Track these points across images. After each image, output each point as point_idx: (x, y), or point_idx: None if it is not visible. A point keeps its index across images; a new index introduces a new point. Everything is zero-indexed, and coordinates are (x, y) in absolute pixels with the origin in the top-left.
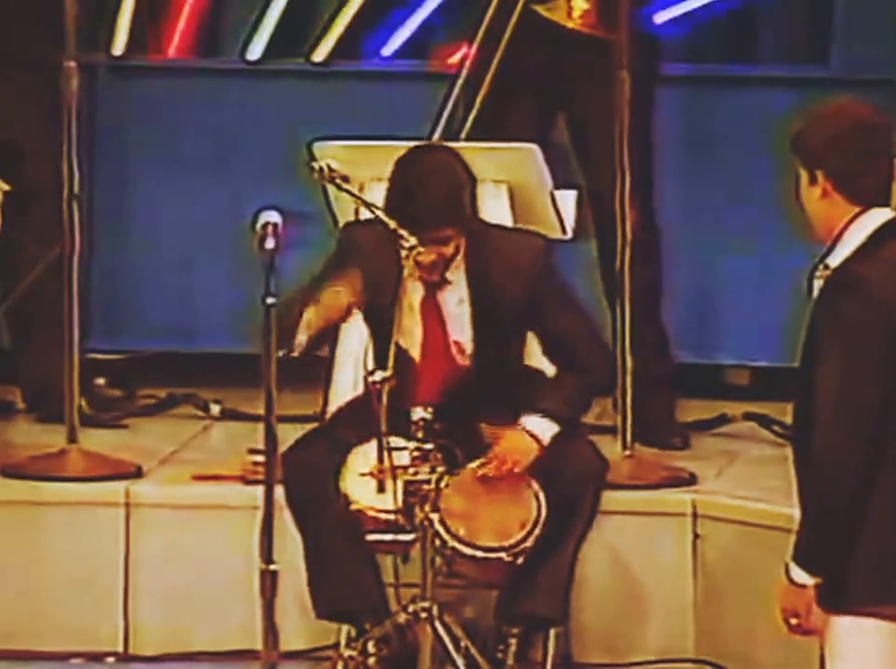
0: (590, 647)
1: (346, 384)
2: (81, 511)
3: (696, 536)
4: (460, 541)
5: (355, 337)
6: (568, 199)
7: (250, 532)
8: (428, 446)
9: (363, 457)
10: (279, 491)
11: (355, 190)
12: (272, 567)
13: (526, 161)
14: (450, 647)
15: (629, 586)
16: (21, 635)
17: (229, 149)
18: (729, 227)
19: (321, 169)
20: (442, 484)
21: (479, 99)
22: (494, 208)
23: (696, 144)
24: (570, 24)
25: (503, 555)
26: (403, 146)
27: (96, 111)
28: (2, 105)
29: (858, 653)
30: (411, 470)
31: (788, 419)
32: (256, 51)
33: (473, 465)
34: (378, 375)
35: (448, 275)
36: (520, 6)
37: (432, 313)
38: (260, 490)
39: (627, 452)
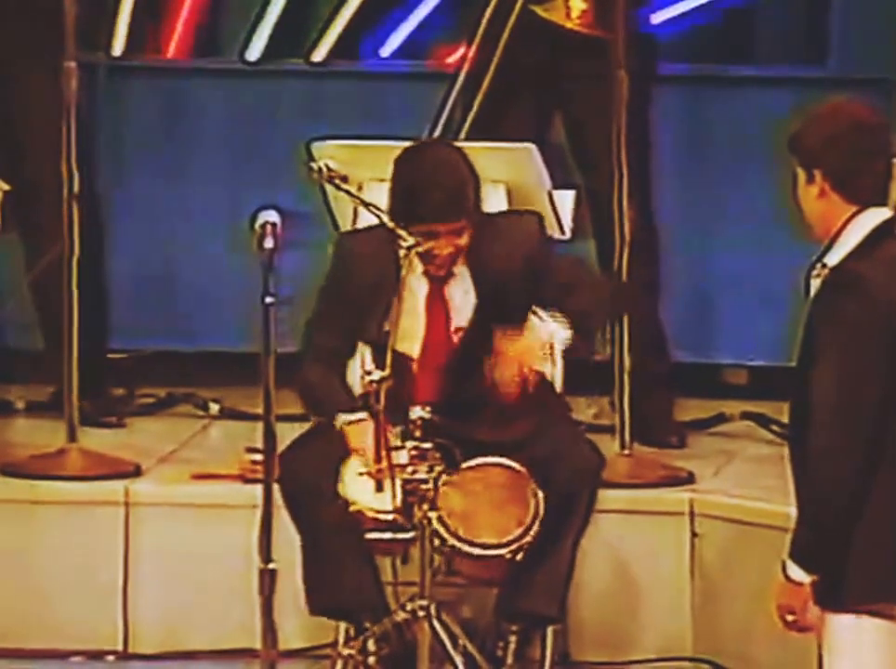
0: (588, 645)
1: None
2: (80, 510)
3: (694, 535)
4: (459, 539)
5: None
6: (566, 199)
7: (249, 531)
8: (427, 445)
9: (362, 456)
10: (278, 490)
11: (354, 190)
12: (271, 565)
13: (524, 160)
14: (448, 645)
15: (627, 585)
16: (21, 633)
17: (228, 149)
18: (727, 226)
19: (319, 169)
20: (441, 483)
21: (477, 99)
22: (493, 207)
23: (694, 144)
24: (568, 24)
25: (502, 552)
26: (402, 146)
27: (95, 111)
28: (8, 105)
29: (854, 650)
30: (409, 469)
31: (786, 418)
32: (254, 51)
33: (472, 462)
34: (376, 375)
35: (454, 268)
36: (518, 6)
37: (439, 308)
38: (259, 489)
39: (625, 452)
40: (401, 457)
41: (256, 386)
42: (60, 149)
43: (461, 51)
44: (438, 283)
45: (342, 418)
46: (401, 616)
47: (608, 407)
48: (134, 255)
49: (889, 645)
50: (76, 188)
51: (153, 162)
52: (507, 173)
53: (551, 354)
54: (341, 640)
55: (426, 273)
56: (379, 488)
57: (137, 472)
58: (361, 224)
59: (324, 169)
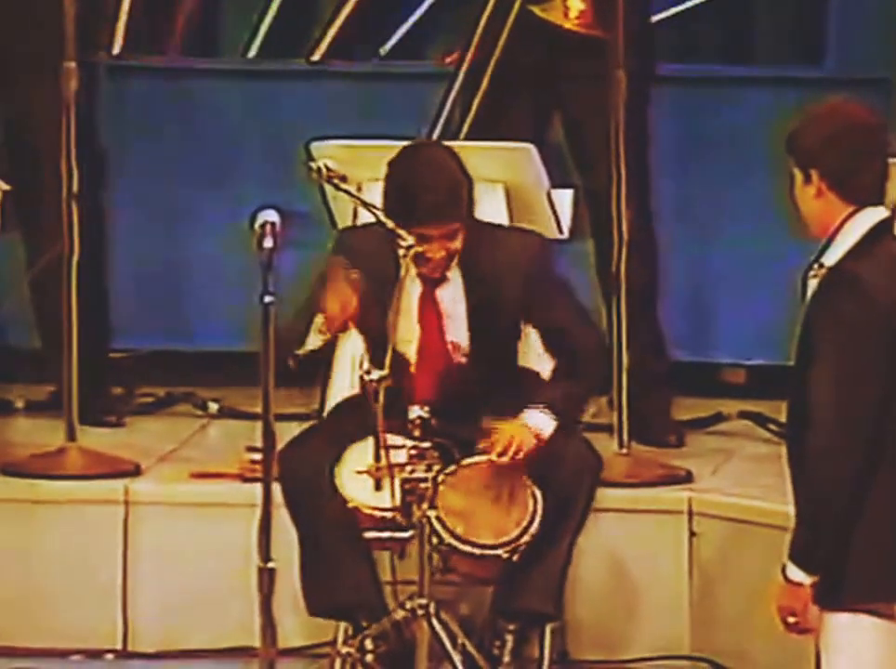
0: (586, 643)
1: (343, 382)
2: (80, 509)
3: (692, 534)
4: (457, 538)
5: (353, 336)
6: (564, 198)
7: (248, 530)
8: (425, 444)
9: (360, 455)
10: (277, 489)
11: (353, 190)
12: (270, 564)
13: (523, 160)
14: (447, 643)
15: (625, 583)
16: (21, 632)
17: (227, 149)
18: (725, 226)
19: (318, 169)
20: (439, 481)
21: (476, 99)
22: (491, 208)
23: (692, 143)
24: (566, 24)
25: (500, 552)
26: (401, 146)
27: (95, 110)
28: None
29: (853, 650)
30: (408, 468)
31: (783, 417)
32: (254, 51)
33: (470, 460)
34: (375, 374)
35: (446, 273)
36: (516, 6)
37: (430, 311)
38: (258, 488)
39: (624, 450)
40: (400, 456)
41: (256, 386)
42: (60, 148)
43: (459, 51)
44: (430, 286)
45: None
46: (399, 615)
47: (606, 406)
48: (133, 254)
49: (887, 644)
50: (76, 187)
51: (153, 161)
52: (505, 173)
53: (539, 445)
54: (340, 639)
55: (419, 275)
56: (378, 487)
57: (136, 471)
58: (363, 222)
59: (324, 169)
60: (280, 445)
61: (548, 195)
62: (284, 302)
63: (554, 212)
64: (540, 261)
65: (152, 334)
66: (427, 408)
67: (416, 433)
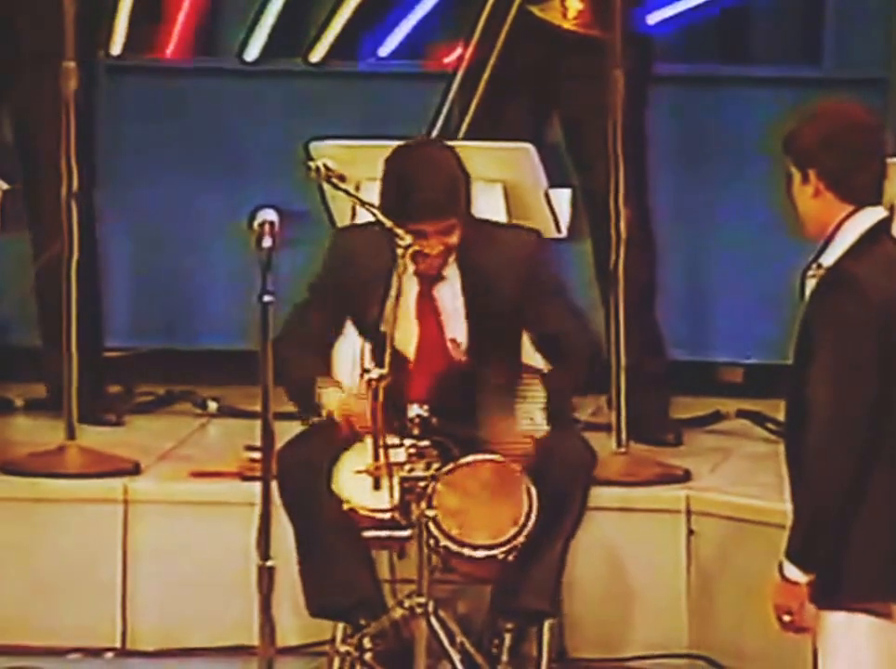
0: (584, 642)
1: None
2: (79, 507)
3: (690, 532)
4: (453, 540)
5: (352, 336)
6: (562, 198)
7: (247, 529)
8: (424, 443)
9: (359, 454)
10: (276, 488)
11: (351, 189)
12: (269, 563)
13: (521, 160)
14: (445, 642)
15: (623, 582)
16: (20, 630)
17: (226, 148)
18: (722, 225)
19: (317, 168)
20: (438, 480)
21: (474, 99)
22: (490, 207)
23: (689, 143)
24: (565, 24)
25: (495, 553)
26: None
27: (94, 110)
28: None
29: (850, 649)
30: (407, 467)
31: (781, 416)
32: (253, 51)
33: (468, 459)
34: (375, 373)
35: (443, 270)
36: (515, 6)
37: (428, 309)
38: (257, 486)
39: (622, 449)
40: (399, 455)
41: (255, 385)
42: (60, 147)
43: (458, 51)
44: (427, 284)
45: (325, 395)
46: (398, 613)
47: (605, 405)
48: (133, 253)
49: (883, 642)
50: (76, 186)
51: (152, 160)
52: (504, 172)
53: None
54: (339, 637)
55: (416, 273)
56: (377, 486)
57: (135, 470)
58: (362, 222)
59: (322, 168)
60: (279, 444)
61: (547, 195)
62: (283, 301)
63: (552, 211)
64: (536, 259)
65: (152, 333)
66: (426, 407)
67: (415, 432)
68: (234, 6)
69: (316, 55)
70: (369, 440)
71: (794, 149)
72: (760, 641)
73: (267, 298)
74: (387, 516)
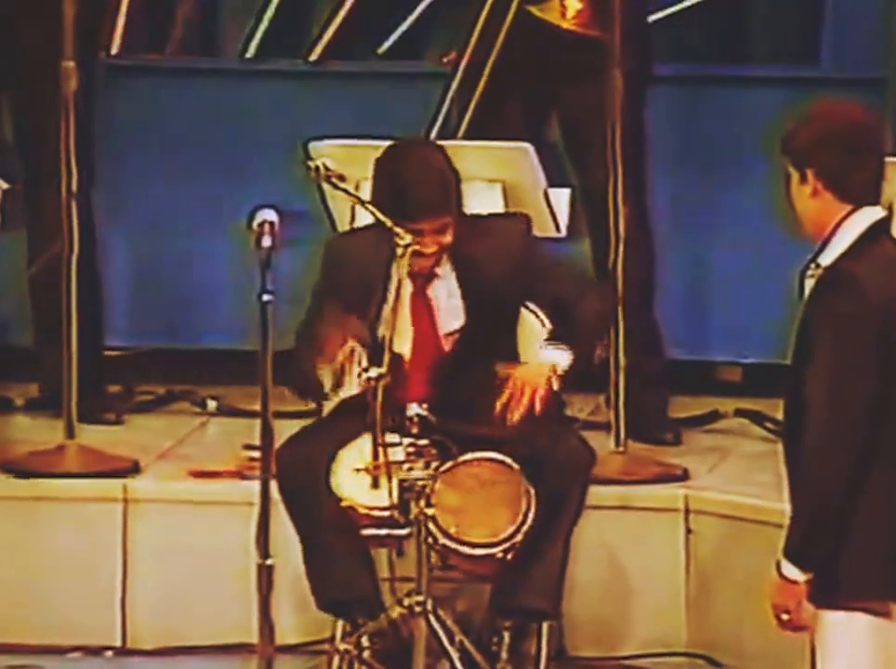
0: (583, 640)
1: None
2: (79, 506)
3: (688, 531)
4: (451, 538)
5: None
6: (561, 197)
7: (247, 527)
8: (423, 442)
9: (358, 453)
10: (275, 487)
11: (351, 189)
12: (269, 561)
13: (520, 160)
14: (444, 641)
15: (622, 581)
16: (20, 629)
17: (225, 148)
18: (721, 225)
19: (316, 168)
20: (436, 479)
21: (473, 99)
22: (489, 207)
23: (688, 143)
24: (564, 24)
25: (493, 551)
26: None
27: (93, 110)
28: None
29: (848, 648)
30: (406, 466)
31: (780, 415)
32: (252, 51)
33: (466, 457)
34: (374, 372)
35: (436, 269)
36: (514, 6)
37: (422, 309)
38: (257, 485)
39: (620, 448)
40: (398, 454)
41: (254, 384)
42: (60, 147)
43: (457, 51)
44: (421, 283)
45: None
46: (396, 612)
47: (603, 404)
48: (132, 252)
49: (881, 641)
50: (75, 186)
51: (152, 160)
52: (503, 172)
53: (555, 379)
54: (338, 636)
55: (410, 273)
56: (375, 484)
57: (135, 469)
58: (358, 222)
59: (322, 168)
60: (278, 443)
61: (546, 194)
62: (283, 300)
63: (551, 211)
64: (528, 243)
65: (152, 333)
66: (425, 405)
67: (414, 431)
68: (234, 6)
69: (315, 55)
70: (368, 439)
71: (792, 148)
72: (759, 640)
73: (266, 298)
74: (385, 514)
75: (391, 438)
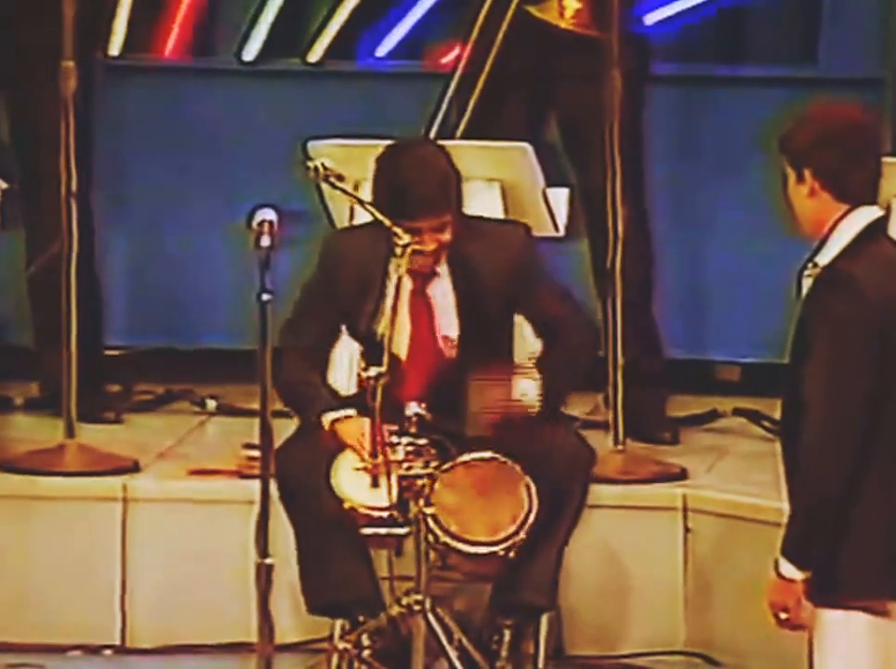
0: (582, 639)
1: (341, 381)
2: (78, 505)
3: (687, 530)
4: (452, 537)
5: (348, 341)
6: (560, 197)
7: (246, 526)
8: (422, 441)
9: (358, 452)
10: (274, 486)
11: (349, 189)
12: (268, 560)
13: (519, 159)
14: (443, 639)
15: (620, 580)
16: (19, 627)
17: (225, 148)
18: (719, 224)
19: (315, 168)
20: (435, 478)
21: (472, 99)
22: (488, 206)
23: (686, 143)
24: (562, 24)
25: (495, 549)
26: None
27: (92, 110)
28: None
29: (846, 646)
30: (405, 465)
31: (778, 415)
32: (251, 52)
33: (465, 457)
34: (373, 371)
35: (437, 268)
36: (513, 6)
37: (421, 307)
38: (256, 484)
39: (619, 447)
40: (397, 453)
41: (253, 383)
42: (59, 147)
43: (456, 51)
44: (421, 282)
45: (329, 416)
46: (395, 611)
47: (602, 403)
48: (132, 252)
49: (880, 640)
50: (74, 186)
51: (151, 160)
52: (501, 172)
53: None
54: (337, 634)
55: (410, 272)
56: (375, 484)
57: (135, 468)
58: (357, 222)
59: (321, 168)
60: (277, 442)
61: (544, 194)
62: (282, 300)
63: (550, 210)
64: (526, 251)
65: (151, 332)
66: (424, 405)
67: (413, 430)
68: (232, 6)
69: (314, 55)
70: (361, 442)
71: (789, 148)
72: (757, 638)
73: (265, 297)
74: (385, 513)
75: (391, 437)
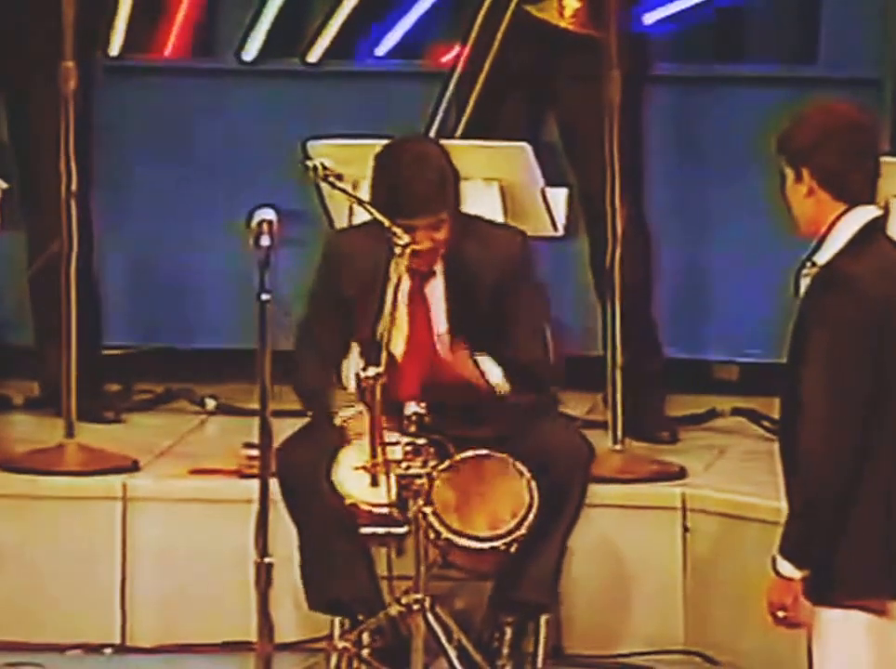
0: (581, 638)
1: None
2: (78, 505)
3: (685, 529)
4: (454, 532)
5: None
6: (559, 197)
7: (246, 526)
8: (421, 440)
9: (357, 452)
10: (274, 485)
11: (349, 188)
12: (268, 559)
13: (518, 159)
14: (442, 638)
15: (619, 579)
16: (19, 626)
17: (224, 148)
18: (718, 224)
19: (315, 167)
20: (434, 477)
21: (471, 99)
22: (487, 206)
23: (685, 142)
24: (561, 24)
25: (496, 544)
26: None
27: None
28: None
29: (844, 645)
30: (404, 465)
31: (776, 414)
32: (251, 52)
33: (464, 455)
34: (371, 372)
35: (435, 267)
36: (512, 5)
37: (419, 306)
38: (256, 483)
39: (618, 447)
40: (396, 453)
41: (253, 383)
42: (59, 147)
43: (455, 51)
44: (418, 281)
45: (342, 415)
46: (395, 610)
47: (601, 403)
48: (132, 252)
49: (878, 639)
50: (74, 186)
51: (150, 160)
52: (500, 171)
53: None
54: (336, 633)
55: (408, 270)
56: (374, 482)
57: (134, 467)
58: (356, 222)
59: (320, 168)
60: (277, 441)
61: (543, 194)
62: (281, 300)
63: (549, 210)
64: (518, 259)
65: (151, 332)
66: (423, 404)
67: (412, 429)
68: (232, 6)
69: (313, 55)
70: (367, 438)
71: (787, 148)
72: (755, 637)
73: (265, 297)
74: (385, 509)
75: (390, 436)
